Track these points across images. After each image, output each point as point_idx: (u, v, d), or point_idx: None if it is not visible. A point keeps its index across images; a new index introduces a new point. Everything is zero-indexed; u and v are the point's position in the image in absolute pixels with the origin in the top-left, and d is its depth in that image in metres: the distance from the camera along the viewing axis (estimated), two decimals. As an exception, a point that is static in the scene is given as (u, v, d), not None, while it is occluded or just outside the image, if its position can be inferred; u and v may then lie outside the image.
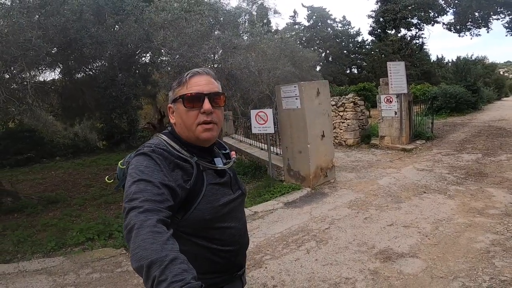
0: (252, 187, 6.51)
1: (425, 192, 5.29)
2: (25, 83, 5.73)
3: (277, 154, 6.96)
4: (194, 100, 1.12)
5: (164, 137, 1.15)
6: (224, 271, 1.21)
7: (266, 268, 3.21)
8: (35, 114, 7.37)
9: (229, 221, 1.19)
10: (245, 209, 5.04)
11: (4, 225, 5.13)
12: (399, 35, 13.67)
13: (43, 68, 4.93)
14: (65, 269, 3.54)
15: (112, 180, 1.37)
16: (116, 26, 5.14)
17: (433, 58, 27.37)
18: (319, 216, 4.58)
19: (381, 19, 11.91)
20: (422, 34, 13.34)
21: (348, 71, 28.99)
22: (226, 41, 5.46)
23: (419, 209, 4.58)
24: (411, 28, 12.90)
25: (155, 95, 12.89)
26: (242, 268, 1.30)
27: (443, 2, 10.97)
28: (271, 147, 6.94)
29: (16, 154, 9.81)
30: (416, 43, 13.69)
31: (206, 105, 1.12)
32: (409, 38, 13.76)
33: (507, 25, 12.03)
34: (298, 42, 26.79)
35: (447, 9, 11.48)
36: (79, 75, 5.87)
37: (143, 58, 6.40)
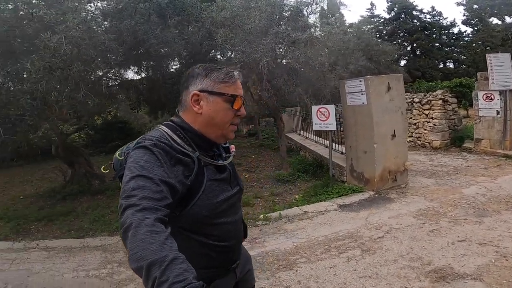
0: (309, 185, 6.24)
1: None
2: (117, 81, 6.68)
3: (341, 153, 6.52)
4: (241, 104, 1.16)
5: (166, 130, 1.11)
6: (220, 266, 1.20)
7: (296, 271, 3.02)
8: (125, 108, 8.48)
9: (226, 216, 1.17)
10: (296, 208, 4.79)
11: (88, 205, 6.04)
12: (499, 23, 11.32)
13: (118, 68, 5.64)
14: (119, 247, 3.98)
15: (108, 170, 1.35)
16: (179, 26, 5.53)
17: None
18: (375, 223, 4.12)
19: (474, 6, 10.04)
20: None
21: (441, 66, 25.39)
22: (284, 35, 5.33)
23: (507, 225, 3.70)
24: None
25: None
26: (237, 261, 1.28)
27: None
28: (334, 145, 6.54)
29: (111, 142, 11.52)
30: None
31: (243, 110, 1.18)
32: None
33: None
34: (378, 35, 24.57)
35: None
36: (150, 73, 6.51)
37: (210, 54, 6.73)
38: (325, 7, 26.33)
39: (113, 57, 4.25)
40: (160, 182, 0.93)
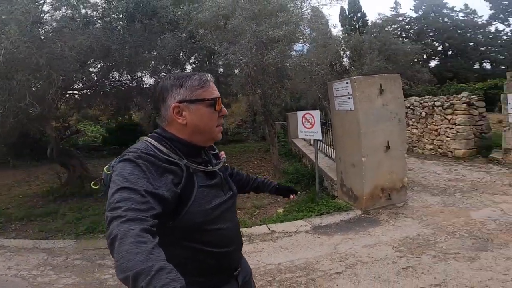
0: (298, 199, 5.66)
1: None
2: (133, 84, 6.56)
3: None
4: (221, 104, 1.17)
5: (151, 141, 1.11)
6: (220, 273, 1.18)
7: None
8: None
9: (221, 223, 1.16)
10: (265, 226, 4.32)
11: (71, 206, 6.01)
12: None
13: (86, 75, 5.52)
14: (65, 251, 3.92)
15: (98, 186, 1.31)
16: (153, 29, 5.25)
17: None
18: (343, 253, 3.49)
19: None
20: None
21: (476, 66, 22.75)
22: (263, 34, 4.80)
23: (508, 264, 2.92)
24: None
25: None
26: (238, 269, 1.27)
27: None
28: (331, 152, 5.90)
29: (123, 145, 11.75)
30: None
31: (224, 110, 1.20)
32: None
33: None
34: (404, 35, 22.80)
35: None
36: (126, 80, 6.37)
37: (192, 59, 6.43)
38: (346, 7, 25.21)
39: (67, 66, 4.06)
40: (145, 193, 0.93)
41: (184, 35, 5.35)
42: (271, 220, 4.79)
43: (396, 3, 42.07)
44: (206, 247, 1.11)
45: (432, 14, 24.39)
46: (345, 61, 11.54)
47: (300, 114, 5.49)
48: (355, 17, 27.43)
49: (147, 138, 1.14)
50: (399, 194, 4.92)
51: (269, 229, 4.26)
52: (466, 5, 28.41)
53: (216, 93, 1.17)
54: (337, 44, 6.47)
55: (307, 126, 5.37)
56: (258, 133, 14.94)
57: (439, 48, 23.58)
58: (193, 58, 6.47)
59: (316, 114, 5.25)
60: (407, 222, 4.28)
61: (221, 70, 8.61)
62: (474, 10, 24.83)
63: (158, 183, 0.99)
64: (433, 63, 22.88)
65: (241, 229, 1.34)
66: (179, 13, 5.23)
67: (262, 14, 4.89)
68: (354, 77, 4.77)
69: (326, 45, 6.88)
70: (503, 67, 19.05)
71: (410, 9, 25.06)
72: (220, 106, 1.16)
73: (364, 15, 27.50)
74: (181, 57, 5.91)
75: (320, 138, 5.45)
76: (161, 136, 1.14)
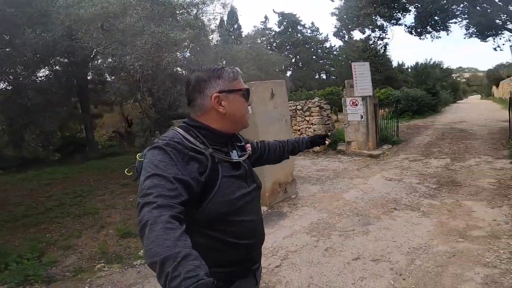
0: None
1: (396, 209, 4.55)
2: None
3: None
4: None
5: (179, 130, 1.16)
6: (238, 264, 1.20)
7: None
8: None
9: (244, 214, 1.18)
10: None
11: None
12: (363, 36, 13.45)
13: None
14: None
15: (131, 173, 1.27)
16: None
17: (394, 64, 28.08)
18: (270, 247, 3.67)
19: (344, 16, 11.51)
20: (386, 35, 13.12)
21: (317, 76, 28.94)
22: (162, 35, 4.43)
23: (391, 233, 3.80)
24: (375, 30, 12.62)
25: (116, 103, 11.50)
26: (257, 263, 1.29)
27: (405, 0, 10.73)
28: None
29: None
30: (380, 43, 13.53)
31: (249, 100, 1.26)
32: (373, 39, 13.56)
33: (465, 29, 12.14)
34: (269, 47, 26.40)
35: (410, 8, 11.24)
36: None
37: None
38: (225, 18, 26.51)
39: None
40: (174, 180, 0.97)
41: (58, 33, 4.26)
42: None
43: (266, 17, 47.52)
44: (229, 237, 1.13)
45: (290, 30, 28.62)
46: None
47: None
48: (232, 28, 28.79)
49: (176, 127, 1.18)
50: (292, 187, 5.55)
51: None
52: (312, 23, 34.94)
53: (244, 85, 1.24)
54: (216, 53, 6.56)
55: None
56: (137, 143, 13.38)
57: (293, 60, 27.78)
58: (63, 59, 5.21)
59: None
60: (306, 210, 4.89)
61: (90, 76, 7.29)
62: (318, 28, 31.03)
63: (185, 170, 1.02)
64: (288, 73, 26.77)
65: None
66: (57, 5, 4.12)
67: (164, 15, 4.45)
68: (252, 82, 5.06)
69: (205, 52, 6.91)
70: (333, 77, 24.34)
71: (275, 23, 28.86)
72: (249, 97, 1.24)
73: (240, 27, 29.26)
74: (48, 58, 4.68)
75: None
76: (189, 125, 1.17)
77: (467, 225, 3.83)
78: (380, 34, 13.21)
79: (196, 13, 5.51)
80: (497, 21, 10.53)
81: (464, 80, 37.32)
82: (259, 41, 21.31)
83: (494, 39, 12.00)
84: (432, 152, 8.17)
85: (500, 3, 10.03)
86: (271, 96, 5.13)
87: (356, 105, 8.28)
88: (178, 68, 5.26)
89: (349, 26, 12.24)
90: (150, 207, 0.88)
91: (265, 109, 5.06)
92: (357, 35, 22.77)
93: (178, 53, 4.77)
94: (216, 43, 8.39)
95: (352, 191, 5.63)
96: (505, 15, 10.18)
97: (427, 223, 3.99)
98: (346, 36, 12.81)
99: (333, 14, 12.65)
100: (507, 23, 10.68)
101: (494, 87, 32.26)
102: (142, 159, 1.15)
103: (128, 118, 11.29)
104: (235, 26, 30.06)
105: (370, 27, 12.30)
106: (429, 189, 5.34)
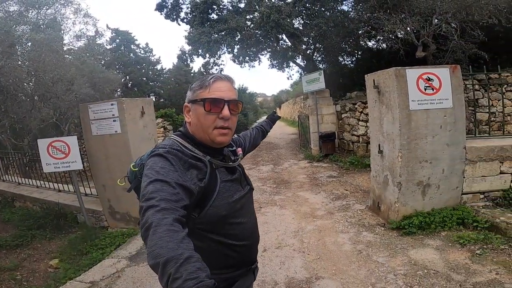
0: (63, 244, 4.45)
1: (261, 207, 5.49)
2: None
3: (87, 194, 5.16)
4: (214, 105, 1.16)
5: (177, 138, 1.19)
6: (240, 265, 1.24)
7: None
8: None
9: (242, 216, 1.23)
10: (74, 282, 3.32)
11: None
12: (204, 60, 14.46)
13: None
14: None
15: (124, 183, 1.35)
16: None
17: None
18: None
19: (187, 48, 12.05)
20: (222, 61, 14.63)
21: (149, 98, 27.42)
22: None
23: (272, 224, 4.64)
24: (215, 55, 13.77)
25: None
26: (255, 262, 1.35)
27: (237, 38, 12.46)
28: (63, 186, 5.10)
29: None
30: (217, 69, 14.89)
31: (225, 111, 1.17)
32: (211, 64, 14.75)
33: (268, 60, 15.65)
34: (100, 64, 22.83)
35: (235, 46, 13.14)
36: None
37: None
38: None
39: None
40: (175, 185, 0.99)
41: None
42: (59, 277, 3.51)
43: (97, 32, 38.83)
44: (229, 240, 1.18)
45: (123, 48, 25.58)
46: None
47: (43, 142, 4.32)
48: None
49: (173, 135, 1.22)
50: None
51: (84, 283, 3.24)
52: (147, 44, 32.09)
53: (216, 93, 1.17)
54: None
55: (58, 157, 4.37)
56: None
57: (123, 80, 24.49)
58: None
59: (73, 140, 4.45)
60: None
61: None
62: (152, 49, 29.00)
63: (185, 177, 1.05)
64: (117, 94, 23.32)
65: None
66: None
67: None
68: (122, 99, 4.65)
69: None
70: (162, 100, 24.04)
71: (106, 40, 24.20)
72: (209, 107, 1.16)
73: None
74: None
75: (81, 167, 4.61)
76: (184, 134, 1.22)
77: (311, 209, 5.24)
78: (215, 60, 14.64)
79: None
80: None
81: (258, 103, 46.51)
82: (87, 55, 18.09)
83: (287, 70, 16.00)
84: (258, 161, 10.02)
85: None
86: (141, 115, 4.93)
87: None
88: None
89: (199, 51, 12.76)
90: (153, 210, 0.89)
91: (136, 127, 4.82)
92: (198, 60, 23.82)
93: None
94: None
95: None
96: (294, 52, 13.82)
97: (288, 213, 5.14)
98: (188, 59, 13.21)
99: (186, 37, 12.77)
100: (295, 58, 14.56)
101: (278, 108, 41.90)
102: (136, 169, 1.18)
103: None
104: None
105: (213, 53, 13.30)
106: (272, 188, 6.70)
